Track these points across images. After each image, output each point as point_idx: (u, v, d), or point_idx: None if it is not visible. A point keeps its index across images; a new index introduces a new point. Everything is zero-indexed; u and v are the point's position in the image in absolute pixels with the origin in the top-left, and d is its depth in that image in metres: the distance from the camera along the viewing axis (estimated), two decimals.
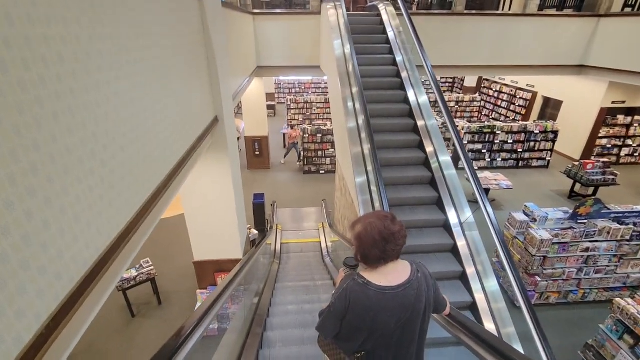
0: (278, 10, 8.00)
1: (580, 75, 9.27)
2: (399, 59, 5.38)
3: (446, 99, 14.69)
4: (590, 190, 8.19)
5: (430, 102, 4.92)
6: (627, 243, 4.68)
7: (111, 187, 1.41)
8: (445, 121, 3.92)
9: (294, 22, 7.88)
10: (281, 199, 8.60)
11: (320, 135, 9.93)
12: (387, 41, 5.82)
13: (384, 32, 6.07)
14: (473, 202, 3.61)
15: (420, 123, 4.57)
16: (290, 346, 2.98)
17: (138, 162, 1.68)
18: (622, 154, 10.40)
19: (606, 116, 9.99)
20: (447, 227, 3.72)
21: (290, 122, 14.40)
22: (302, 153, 10.31)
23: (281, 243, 6.82)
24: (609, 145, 10.34)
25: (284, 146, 12.70)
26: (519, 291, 2.75)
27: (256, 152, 10.21)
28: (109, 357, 4.07)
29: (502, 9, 8.72)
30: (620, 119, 10.05)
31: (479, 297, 3.21)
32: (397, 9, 6.29)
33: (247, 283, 3.78)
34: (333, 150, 10.07)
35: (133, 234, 1.59)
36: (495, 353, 1.35)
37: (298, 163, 10.81)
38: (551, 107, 12.20)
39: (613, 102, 9.89)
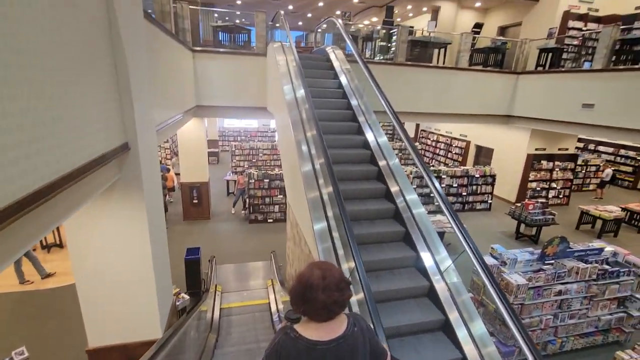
0: (221, 50, 7.57)
1: (508, 124, 10.16)
2: (354, 103, 5.11)
3: (390, 146, 15.19)
4: (534, 230, 8.44)
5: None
6: (595, 283, 4.50)
7: None
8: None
9: (238, 62, 7.49)
10: (223, 254, 7.38)
11: (268, 180, 9.18)
12: (339, 83, 5.58)
13: (335, 75, 5.88)
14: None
15: (382, 163, 4.16)
16: None
17: None
18: (550, 195, 11.28)
19: (533, 161, 10.93)
20: (432, 295, 3.07)
21: (235, 168, 13.49)
22: (247, 200, 9.37)
23: (220, 308, 5.56)
24: (538, 188, 11.18)
25: (227, 194, 11.63)
26: (525, 344, 2.20)
27: (194, 200, 9.00)
28: None
29: (437, 63, 9.42)
30: (544, 164, 11.06)
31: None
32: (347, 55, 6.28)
33: None
34: (282, 196, 9.32)
35: None
36: None
37: (243, 212, 9.78)
38: (483, 155, 13.18)
39: (536, 149, 10.92)
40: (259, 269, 7.03)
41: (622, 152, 14.20)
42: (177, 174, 10.72)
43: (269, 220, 9.41)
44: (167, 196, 10.00)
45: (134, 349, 3.17)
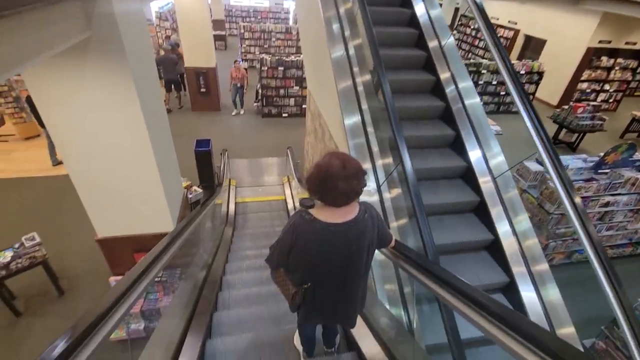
0: None
1: (577, 5, 8.26)
2: None
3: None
4: (574, 136, 7.65)
5: None
6: None
7: None
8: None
9: None
10: (235, 148, 7.04)
11: (283, 68, 8.15)
12: None
13: None
14: None
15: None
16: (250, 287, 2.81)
17: None
18: (599, 99, 9.99)
19: (592, 57, 9.30)
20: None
21: (245, 55, 12.16)
22: (259, 91, 8.54)
23: (235, 202, 5.47)
24: (588, 90, 9.84)
25: None
26: (589, 243, 1.80)
27: (201, 89, 8.24)
28: None
29: None
30: (604, 60, 9.44)
31: None
32: None
33: (184, 264, 2.57)
34: (299, 88, 8.43)
35: None
36: (435, 278, 1.27)
37: (255, 104, 9.05)
38: (531, 49, 11.31)
39: (600, 42, 9.15)
40: (274, 165, 6.75)
41: None
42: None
43: (283, 115, 8.76)
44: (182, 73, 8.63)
45: (145, 240, 3.02)
